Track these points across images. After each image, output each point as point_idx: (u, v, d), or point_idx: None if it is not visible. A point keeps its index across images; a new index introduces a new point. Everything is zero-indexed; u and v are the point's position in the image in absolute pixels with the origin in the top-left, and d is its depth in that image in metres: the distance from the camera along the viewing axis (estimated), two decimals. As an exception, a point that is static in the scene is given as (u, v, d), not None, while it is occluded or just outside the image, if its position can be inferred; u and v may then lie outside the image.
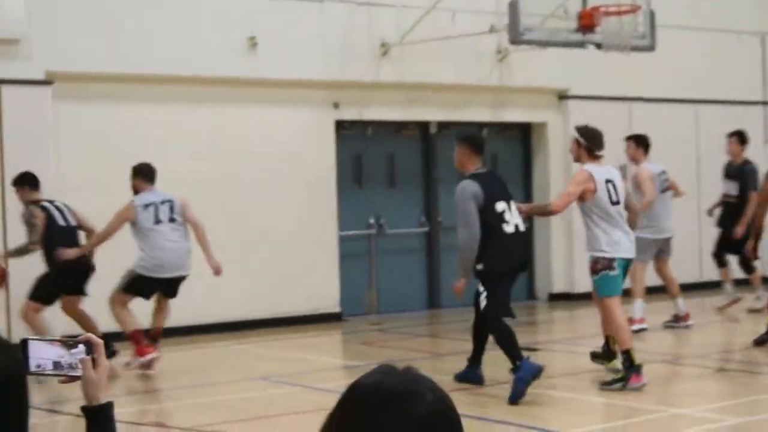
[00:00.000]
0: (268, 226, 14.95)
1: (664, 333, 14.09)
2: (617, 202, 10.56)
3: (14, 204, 12.61)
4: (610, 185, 10.54)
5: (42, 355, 2.99)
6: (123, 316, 11.86)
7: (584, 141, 10.73)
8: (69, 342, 3.02)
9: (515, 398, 9.90)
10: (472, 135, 11.74)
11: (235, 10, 14.71)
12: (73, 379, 3.02)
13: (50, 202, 12.12)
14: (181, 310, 12.97)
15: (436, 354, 12.69)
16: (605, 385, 10.45)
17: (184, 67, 14.42)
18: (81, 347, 3.01)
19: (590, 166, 10.61)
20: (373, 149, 16.47)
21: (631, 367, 10.29)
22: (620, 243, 10.46)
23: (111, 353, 11.65)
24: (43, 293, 11.90)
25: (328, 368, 12.12)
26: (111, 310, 11.88)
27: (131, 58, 14.06)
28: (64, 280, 11.93)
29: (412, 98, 16.26)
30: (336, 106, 15.66)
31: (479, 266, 10.20)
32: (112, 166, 13.78)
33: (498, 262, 10.25)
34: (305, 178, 15.25)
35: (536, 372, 10.06)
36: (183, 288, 12.25)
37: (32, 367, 2.99)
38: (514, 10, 14.07)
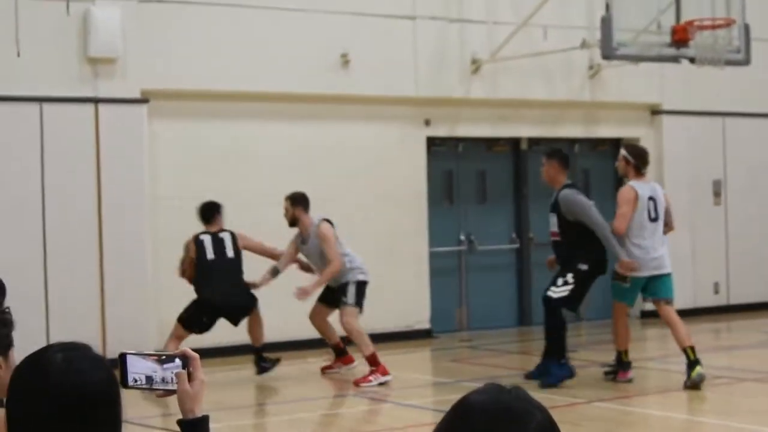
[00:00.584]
0: (360, 242, 14.95)
1: (756, 351, 13.91)
2: (656, 219, 11.53)
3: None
4: (651, 202, 11.52)
5: (137, 369, 3.04)
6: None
7: (633, 159, 11.70)
8: (164, 356, 3.06)
9: (553, 383, 11.30)
10: (559, 150, 12.51)
11: (328, 26, 14.82)
12: (170, 393, 3.06)
13: (213, 233, 12.40)
14: (272, 327, 13.06)
15: (525, 371, 12.63)
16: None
17: (278, 84, 14.55)
18: (177, 361, 3.05)
19: (635, 183, 11.59)
20: (464, 166, 16.47)
21: (621, 363, 11.65)
22: (639, 261, 11.39)
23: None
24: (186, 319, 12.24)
25: (418, 385, 12.13)
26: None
27: (225, 76, 14.22)
28: (200, 316, 12.13)
29: (503, 115, 16.24)
30: (427, 122, 15.69)
31: (583, 266, 11.38)
32: (207, 184, 13.95)
33: (595, 265, 11.48)
34: (397, 194, 15.29)
35: (570, 377, 11.47)
36: (275, 303, 12.35)
37: (129, 382, 3.03)
38: (606, 25, 13.97)
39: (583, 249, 11.42)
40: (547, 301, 11.54)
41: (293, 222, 12.50)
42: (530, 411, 2.20)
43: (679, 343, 11.46)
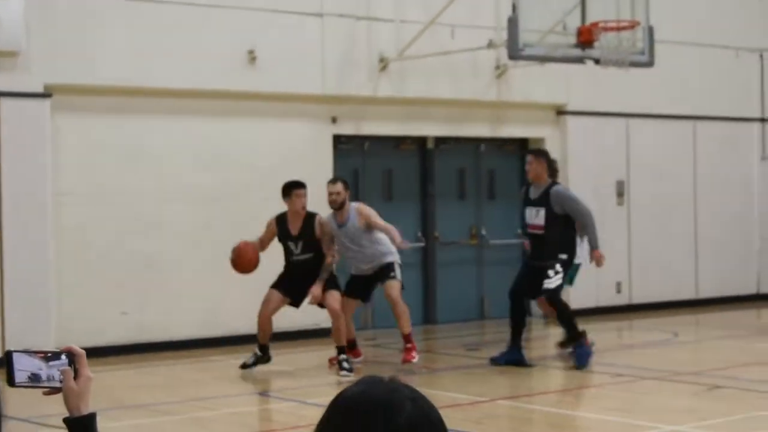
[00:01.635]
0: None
1: (657, 350, 14.09)
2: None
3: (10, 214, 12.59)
4: None
5: (24, 367, 2.97)
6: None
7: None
8: (50, 354, 2.99)
9: (584, 364, 12.43)
10: (545, 150, 13.78)
11: (235, 22, 14.72)
12: (56, 390, 2.99)
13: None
14: (172, 325, 12.95)
15: (430, 369, 12.67)
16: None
17: (184, 81, 14.42)
18: (63, 358, 2.99)
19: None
20: (371, 164, 16.46)
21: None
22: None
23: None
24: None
25: (321, 384, 12.08)
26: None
27: (130, 71, 14.06)
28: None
29: (410, 113, 16.26)
30: (334, 120, 15.66)
31: (563, 255, 12.50)
32: (111, 179, 13.81)
33: (571, 255, 12.68)
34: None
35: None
36: (180, 302, 12.22)
37: (16, 380, 2.97)
38: (513, 25, 14.06)
39: (564, 240, 12.57)
40: (549, 292, 12.59)
41: (342, 205, 12.74)
42: (400, 402, 2.14)
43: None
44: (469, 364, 13.13)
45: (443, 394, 11.04)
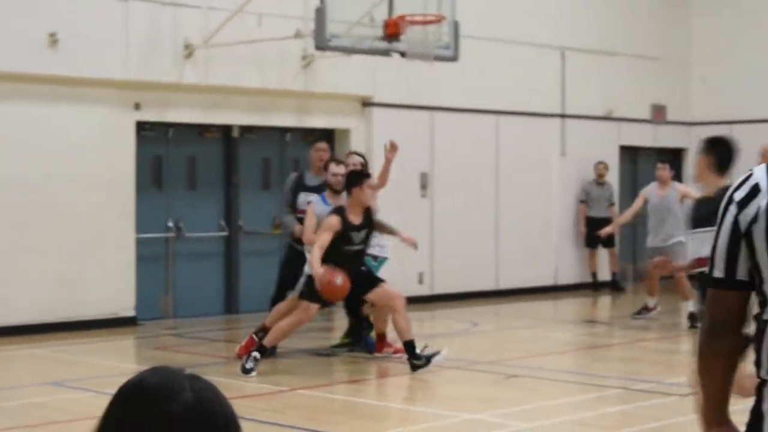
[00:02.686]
0: (63, 228, 14.59)
1: (457, 339, 14.28)
2: None
3: None
4: None
5: None
6: None
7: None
8: None
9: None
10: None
11: (37, 5, 14.32)
12: None
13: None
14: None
15: (230, 359, 12.58)
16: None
17: (-21, 62, 13.98)
18: None
19: None
20: (174, 151, 16.25)
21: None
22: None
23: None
24: None
25: (120, 373, 11.86)
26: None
27: None
28: None
29: (215, 101, 16.10)
30: (137, 106, 15.38)
31: None
32: None
33: None
34: (102, 179, 14.91)
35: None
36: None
37: None
38: (320, 16, 14.04)
39: None
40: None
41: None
42: (178, 390, 2.11)
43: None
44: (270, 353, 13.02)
45: (244, 384, 10.99)
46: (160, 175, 16.08)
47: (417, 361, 11.77)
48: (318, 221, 11.88)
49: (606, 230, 17.48)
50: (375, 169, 13.26)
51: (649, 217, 15.75)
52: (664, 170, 15.65)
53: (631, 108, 21.42)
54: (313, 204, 12.27)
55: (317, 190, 12.82)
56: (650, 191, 15.71)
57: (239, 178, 16.69)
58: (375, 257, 12.88)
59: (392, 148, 12.68)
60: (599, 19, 21.05)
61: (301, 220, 12.69)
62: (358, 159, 13.10)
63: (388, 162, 12.68)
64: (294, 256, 12.86)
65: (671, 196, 15.35)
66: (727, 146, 8.07)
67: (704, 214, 7.72)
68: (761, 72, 21.69)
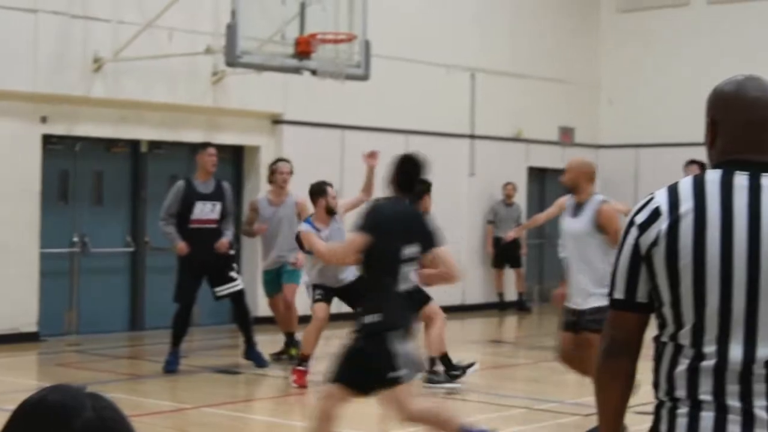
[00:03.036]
0: (-34, 241, 14.36)
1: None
2: None
3: None
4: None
5: None
6: None
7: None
8: None
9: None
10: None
11: (-59, 14, 14.11)
12: None
13: None
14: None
15: (134, 376, 12.46)
16: None
17: None
18: None
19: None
20: (81, 166, 16.07)
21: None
22: None
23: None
24: None
25: (20, 390, 11.70)
26: None
27: None
28: None
29: (123, 116, 15.96)
30: (44, 120, 15.19)
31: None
32: None
33: None
34: (7, 192, 14.70)
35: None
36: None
37: None
38: (231, 32, 14.01)
39: None
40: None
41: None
42: (78, 408, 2.11)
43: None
44: (173, 370, 12.90)
45: (147, 401, 10.89)
46: (67, 189, 15.89)
47: (455, 371, 12.09)
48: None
49: (511, 234, 17.30)
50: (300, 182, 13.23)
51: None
52: None
53: (539, 130, 21.64)
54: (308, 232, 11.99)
55: (211, 197, 12.89)
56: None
57: (147, 193, 16.55)
58: (294, 264, 13.35)
59: (372, 155, 12.51)
60: (509, 41, 21.24)
61: (197, 231, 12.71)
62: (287, 166, 13.53)
63: (371, 170, 12.56)
64: (186, 267, 12.86)
65: None
66: (413, 164, 7.81)
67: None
68: (667, 96, 22.03)
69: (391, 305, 7.36)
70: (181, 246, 12.84)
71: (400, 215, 7.58)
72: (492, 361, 14.92)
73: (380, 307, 7.35)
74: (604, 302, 9.25)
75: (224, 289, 13.01)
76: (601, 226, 9.35)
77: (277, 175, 13.61)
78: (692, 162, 15.41)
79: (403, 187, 7.68)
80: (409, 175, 7.74)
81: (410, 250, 7.46)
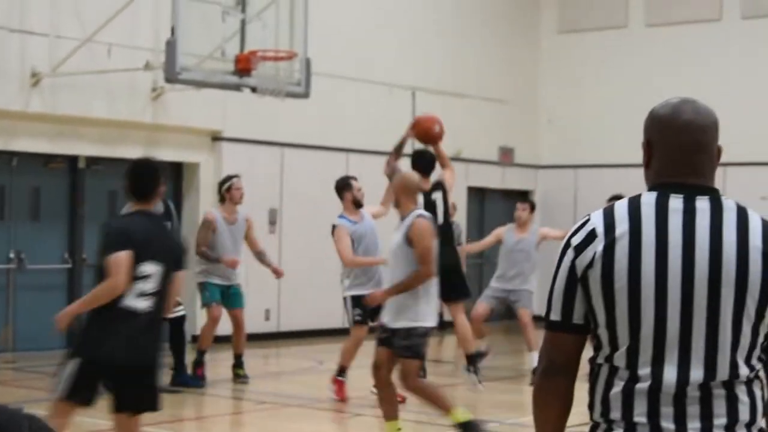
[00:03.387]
0: None
1: (303, 377, 14.22)
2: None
3: None
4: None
5: None
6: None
7: None
8: None
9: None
10: None
11: None
12: None
13: None
14: None
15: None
16: None
17: None
18: None
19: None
20: (18, 181, 15.91)
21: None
22: None
23: None
24: None
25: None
26: None
27: None
28: None
29: (61, 131, 15.82)
30: (-20, 134, 15.05)
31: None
32: None
33: None
34: (-57, 207, 14.55)
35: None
36: None
37: None
38: (171, 48, 13.94)
39: None
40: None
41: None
42: (16, 430, 2.08)
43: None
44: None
45: (86, 420, 10.76)
46: (3, 204, 15.73)
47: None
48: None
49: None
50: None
51: (500, 258, 14.76)
52: (524, 211, 14.69)
53: (479, 149, 21.70)
54: (344, 226, 12.55)
55: (164, 218, 12.85)
56: (507, 231, 14.76)
57: (85, 210, 16.42)
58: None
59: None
60: (450, 60, 21.32)
61: None
62: (241, 182, 13.71)
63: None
64: None
65: (529, 240, 14.38)
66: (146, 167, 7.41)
67: None
68: (607, 117, 22.21)
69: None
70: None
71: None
72: (431, 381, 14.86)
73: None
74: (412, 323, 9.25)
75: (171, 312, 12.86)
76: (410, 240, 9.26)
77: (234, 191, 13.50)
78: (614, 198, 14.06)
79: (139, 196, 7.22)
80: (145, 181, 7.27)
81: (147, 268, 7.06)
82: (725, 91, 19.83)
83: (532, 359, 13.92)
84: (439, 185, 12.84)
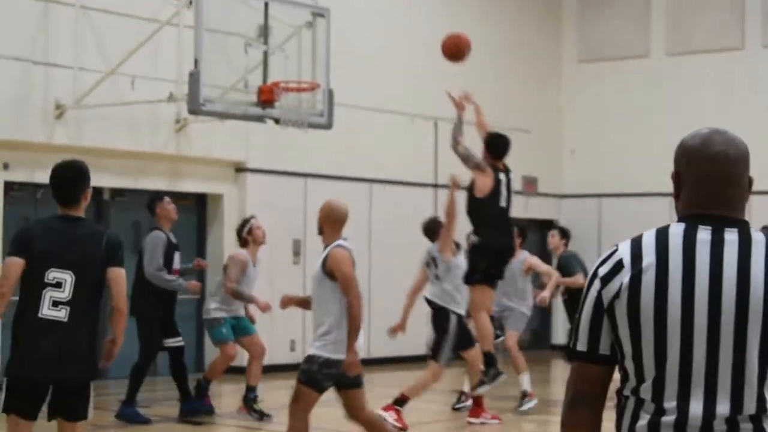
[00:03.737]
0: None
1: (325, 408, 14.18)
2: None
3: None
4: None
5: None
6: None
7: None
8: None
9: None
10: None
11: None
12: None
13: None
14: None
15: (97, 426, 12.30)
16: None
17: None
18: None
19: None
20: (43, 213, 15.89)
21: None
22: None
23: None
24: None
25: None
26: None
27: None
28: None
29: (86, 162, 15.83)
30: (5, 166, 15.10)
31: None
32: None
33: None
34: (-32, 239, 14.60)
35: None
36: None
37: None
38: (194, 80, 13.98)
39: None
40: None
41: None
42: None
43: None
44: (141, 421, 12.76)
45: None
46: (27, 236, 15.74)
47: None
48: None
49: None
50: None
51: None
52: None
53: (502, 179, 21.64)
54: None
55: (178, 247, 12.98)
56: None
57: (109, 241, 16.42)
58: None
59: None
60: (472, 90, 21.27)
61: None
62: (259, 221, 13.58)
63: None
64: (154, 318, 12.82)
65: (512, 267, 13.88)
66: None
67: None
68: (629, 146, 22.17)
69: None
70: (194, 284, 13.36)
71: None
72: (454, 414, 14.76)
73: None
74: (321, 352, 8.88)
75: (172, 342, 12.94)
76: (328, 269, 9.05)
77: (256, 231, 13.18)
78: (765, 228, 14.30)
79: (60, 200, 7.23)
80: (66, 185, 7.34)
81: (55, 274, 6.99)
82: (749, 121, 19.75)
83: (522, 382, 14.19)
84: (508, 169, 12.88)
